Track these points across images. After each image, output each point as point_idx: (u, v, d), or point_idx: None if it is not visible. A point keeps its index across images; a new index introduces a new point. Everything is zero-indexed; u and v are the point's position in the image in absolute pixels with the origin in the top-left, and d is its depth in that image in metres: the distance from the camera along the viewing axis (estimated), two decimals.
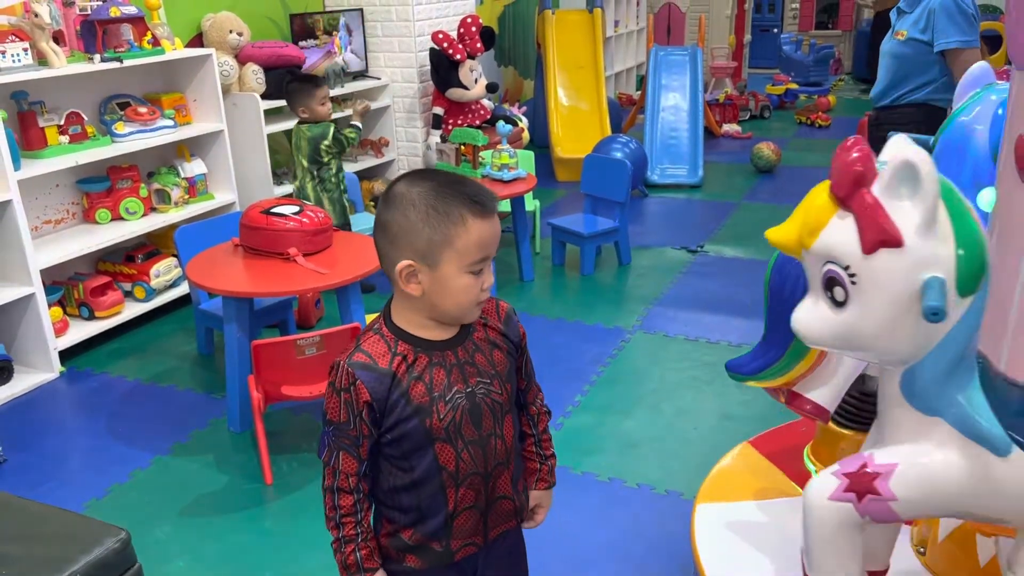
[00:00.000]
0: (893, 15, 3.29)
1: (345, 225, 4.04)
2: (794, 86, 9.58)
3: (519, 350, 1.48)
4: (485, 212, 1.29)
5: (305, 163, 3.94)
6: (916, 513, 1.42)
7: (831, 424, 1.81)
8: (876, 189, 1.24)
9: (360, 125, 4.15)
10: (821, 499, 1.38)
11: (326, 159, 3.93)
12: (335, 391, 1.33)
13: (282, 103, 4.67)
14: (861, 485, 1.35)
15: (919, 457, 1.34)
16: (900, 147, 1.26)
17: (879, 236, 1.23)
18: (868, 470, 1.35)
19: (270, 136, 4.60)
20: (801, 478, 2.08)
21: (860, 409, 1.74)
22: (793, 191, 6.33)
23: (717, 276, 4.51)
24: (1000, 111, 1.75)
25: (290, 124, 4.74)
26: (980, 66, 1.89)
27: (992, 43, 9.06)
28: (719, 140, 7.89)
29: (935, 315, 1.20)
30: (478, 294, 1.33)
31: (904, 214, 1.22)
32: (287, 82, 4.07)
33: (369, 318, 3.24)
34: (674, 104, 6.97)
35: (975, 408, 1.28)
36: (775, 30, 12.22)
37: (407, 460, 1.37)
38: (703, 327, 3.86)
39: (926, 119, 3.06)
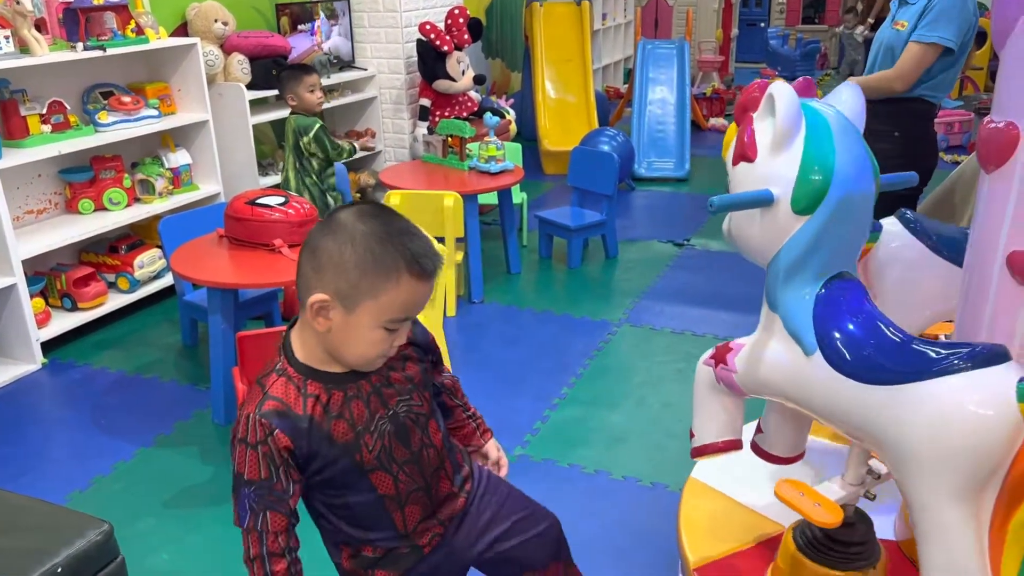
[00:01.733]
0: (894, 3, 3.09)
1: None
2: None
3: (428, 350, 1.44)
4: (424, 275, 1.22)
5: (291, 155, 3.92)
6: (751, 388, 1.63)
7: (802, 557, 1.63)
8: (754, 115, 1.49)
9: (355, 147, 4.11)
10: (700, 361, 1.73)
11: (306, 154, 3.90)
12: (248, 446, 1.22)
13: (268, 93, 4.65)
14: (720, 356, 1.67)
15: (758, 342, 1.59)
16: (777, 83, 1.49)
17: (739, 150, 1.52)
18: (729, 346, 1.66)
19: (256, 126, 4.56)
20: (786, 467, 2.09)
21: (836, 548, 1.61)
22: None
23: (703, 269, 4.52)
24: (853, 133, 1.59)
25: (275, 115, 4.73)
26: (789, 91, 1.49)
27: (975, 40, 9.12)
28: (706, 134, 7.91)
29: (710, 207, 1.50)
30: (385, 350, 1.26)
31: (764, 136, 1.47)
32: (277, 70, 4.01)
33: None
34: (661, 98, 6.98)
35: (796, 310, 1.50)
36: (762, 24, 12.26)
37: (342, 496, 1.32)
38: (689, 320, 3.86)
39: (917, 115, 3.00)
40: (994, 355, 1.35)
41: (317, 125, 3.85)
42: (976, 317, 1.55)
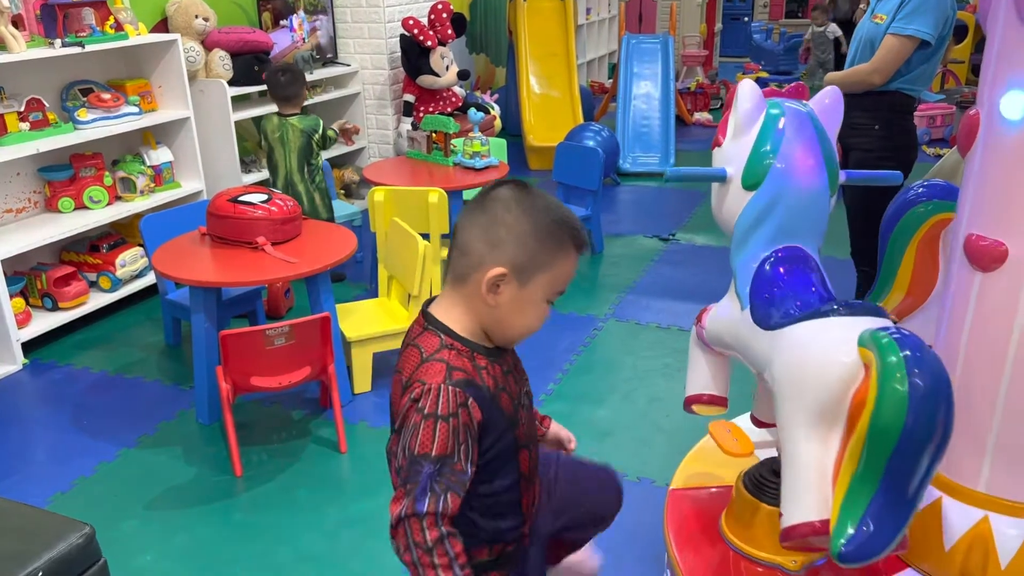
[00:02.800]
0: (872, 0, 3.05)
1: (332, 219, 4.07)
2: (764, 75, 9.64)
3: None
4: (584, 250, 1.31)
5: (295, 158, 3.93)
6: (713, 340, 1.89)
7: (746, 494, 1.76)
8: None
9: (337, 132, 4.21)
10: (693, 326, 1.98)
11: (315, 153, 3.98)
12: (439, 419, 1.17)
13: (250, 89, 4.62)
14: (700, 316, 1.94)
15: (722, 303, 1.86)
16: (743, 82, 1.75)
17: (716, 137, 1.82)
18: (708, 307, 1.92)
19: (238, 123, 4.53)
20: None
21: (769, 485, 1.74)
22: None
23: (689, 264, 4.53)
24: (813, 129, 1.70)
25: (258, 111, 4.69)
26: (754, 89, 1.71)
27: (958, 33, 9.17)
28: (690, 128, 7.92)
29: (663, 176, 1.91)
30: (541, 323, 1.32)
31: (731, 125, 1.75)
32: (279, 74, 3.99)
33: (340, 307, 3.21)
34: (646, 92, 6.98)
35: (742, 272, 1.75)
36: (746, 19, 12.29)
37: (490, 482, 1.30)
38: (675, 315, 3.87)
39: (897, 108, 2.99)
40: (865, 309, 1.51)
41: (321, 121, 3.96)
42: (943, 300, 1.69)
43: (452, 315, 1.29)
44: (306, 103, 4.98)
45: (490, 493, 1.32)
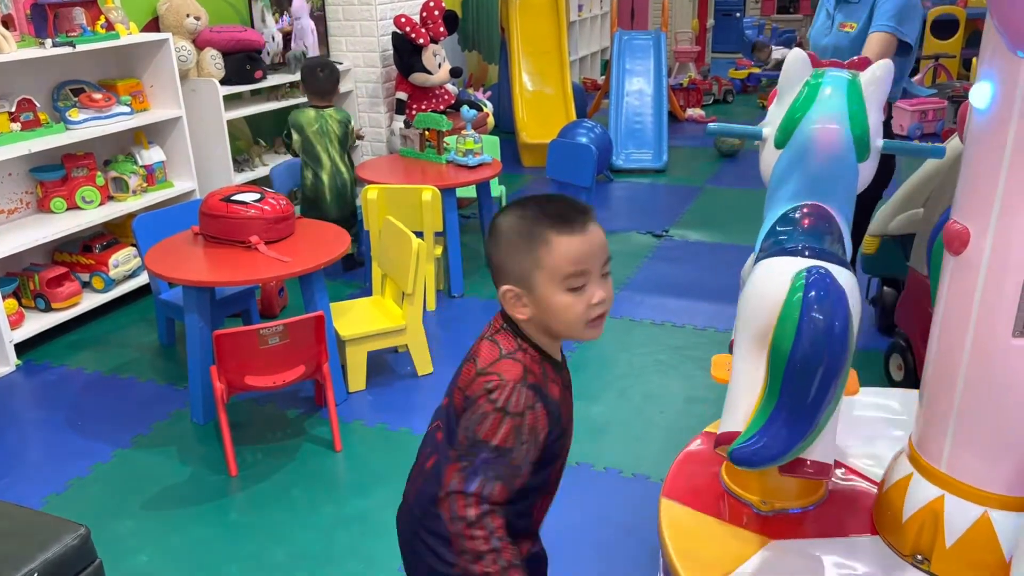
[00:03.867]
0: (829, 4, 2.96)
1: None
2: (757, 70, 9.64)
3: None
4: (572, 228, 1.26)
5: (337, 147, 4.20)
6: (741, 287, 1.90)
7: None
8: None
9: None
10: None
11: (351, 143, 4.28)
12: (507, 413, 1.24)
13: (242, 88, 4.61)
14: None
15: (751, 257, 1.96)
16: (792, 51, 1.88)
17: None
18: None
19: (230, 122, 4.52)
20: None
21: None
22: (756, 175, 6.34)
23: (682, 260, 4.53)
24: (844, 96, 1.84)
25: (249, 110, 4.69)
26: (801, 57, 1.87)
27: (948, 28, 9.19)
28: (683, 124, 7.93)
29: (707, 131, 2.18)
30: (584, 311, 1.28)
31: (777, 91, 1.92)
32: (318, 70, 4.26)
33: (334, 306, 3.21)
34: (638, 89, 6.98)
35: (765, 223, 1.90)
36: (738, 14, 12.28)
37: (530, 480, 1.32)
38: (669, 311, 3.87)
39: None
40: (831, 256, 1.64)
41: (350, 115, 4.30)
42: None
43: (524, 326, 1.35)
44: (296, 102, 4.99)
45: (523, 491, 1.34)
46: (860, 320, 1.77)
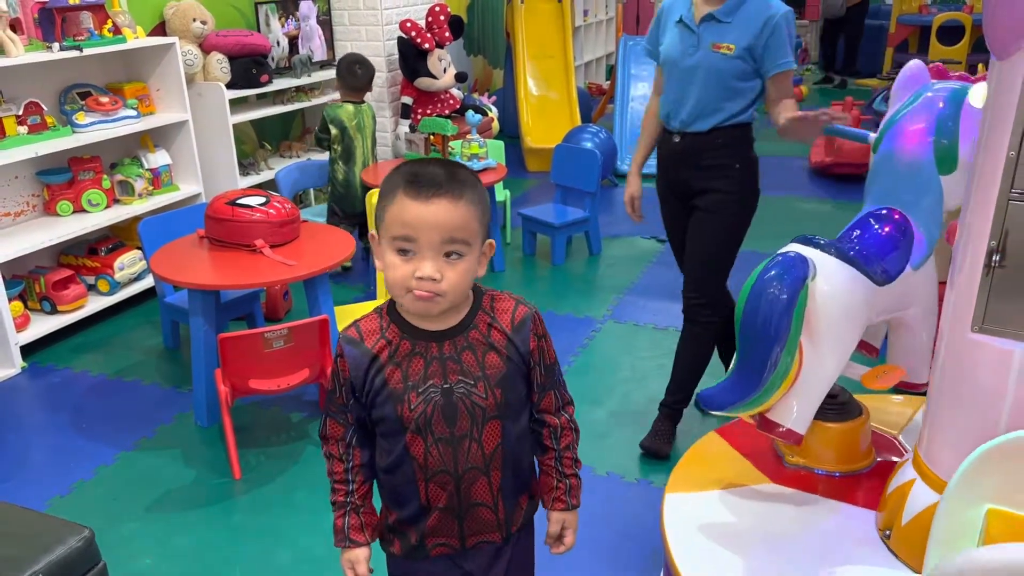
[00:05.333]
0: (688, 20, 2.56)
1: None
2: None
3: (526, 361, 1.39)
4: (417, 193, 1.23)
5: (370, 142, 4.40)
6: None
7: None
8: None
9: None
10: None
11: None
12: (334, 358, 1.39)
13: (248, 92, 4.62)
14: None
15: None
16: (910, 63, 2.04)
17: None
18: None
19: (236, 126, 4.53)
20: (767, 466, 2.11)
21: (830, 407, 2.01)
22: (761, 180, 6.36)
23: None
24: (941, 104, 1.93)
25: (255, 114, 4.71)
26: (916, 65, 2.02)
27: (954, 34, 9.18)
28: None
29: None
30: (405, 278, 1.25)
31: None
32: (355, 66, 4.45)
33: (338, 309, 3.22)
34: (644, 94, 6.97)
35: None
36: None
37: (386, 441, 1.38)
38: (673, 316, 3.86)
39: (750, 142, 2.66)
40: (855, 258, 1.85)
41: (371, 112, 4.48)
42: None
43: None
44: (302, 106, 5.01)
45: (388, 457, 1.38)
46: (866, 312, 1.88)
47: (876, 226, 1.95)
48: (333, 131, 4.32)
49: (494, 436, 1.36)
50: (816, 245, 1.88)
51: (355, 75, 4.42)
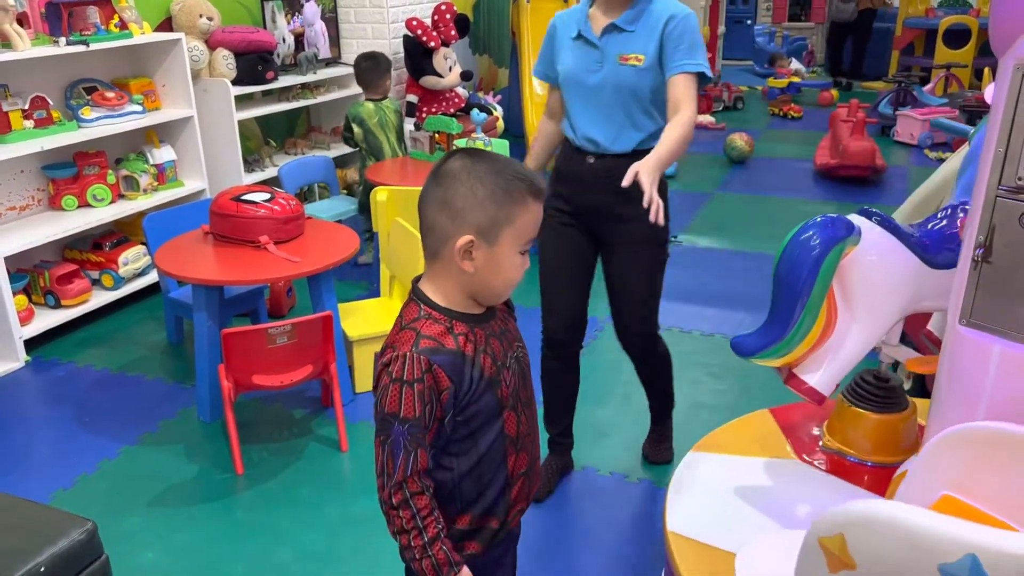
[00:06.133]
0: (588, 34, 2.30)
1: None
2: (797, 79, 9.49)
3: (512, 310, 1.55)
4: (541, 196, 1.35)
5: (395, 136, 4.51)
6: None
7: (849, 406, 2.01)
8: None
9: None
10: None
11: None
12: (404, 384, 1.27)
13: (253, 89, 4.63)
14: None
15: None
16: None
17: None
18: None
19: (241, 122, 4.54)
20: (801, 444, 2.13)
21: (875, 393, 2.01)
22: (766, 182, 6.37)
23: (690, 266, 4.53)
24: None
25: (261, 111, 4.72)
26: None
27: (960, 37, 9.17)
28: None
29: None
30: (521, 276, 1.37)
31: None
32: (364, 61, 4.63)
33: (342, 306, 3.22)
34: None
35: None
36: (748, 22, 12.28)
37: (473, 440, 1.37)
38: (676, 317, 3.87)
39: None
40: (908, 238, 1.89)
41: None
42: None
43: (434, 287, 1.37)
44: (307, 103, 5.01)
45: (475, 456, 1.37)
46: (910, 289, 1.92)
47: (947, 219, 1.95)
48: (356, 129, 4.45)
49: (531, 387, 1.49)
50: (869, 215, 1.93)
51: (363, 71, 4.55)
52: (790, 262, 1.81)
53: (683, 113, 2.19)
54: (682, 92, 2.21)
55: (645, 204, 1.93)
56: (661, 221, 1.96)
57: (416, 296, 1.38)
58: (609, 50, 2.26)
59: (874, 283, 1.89)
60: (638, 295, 2.51)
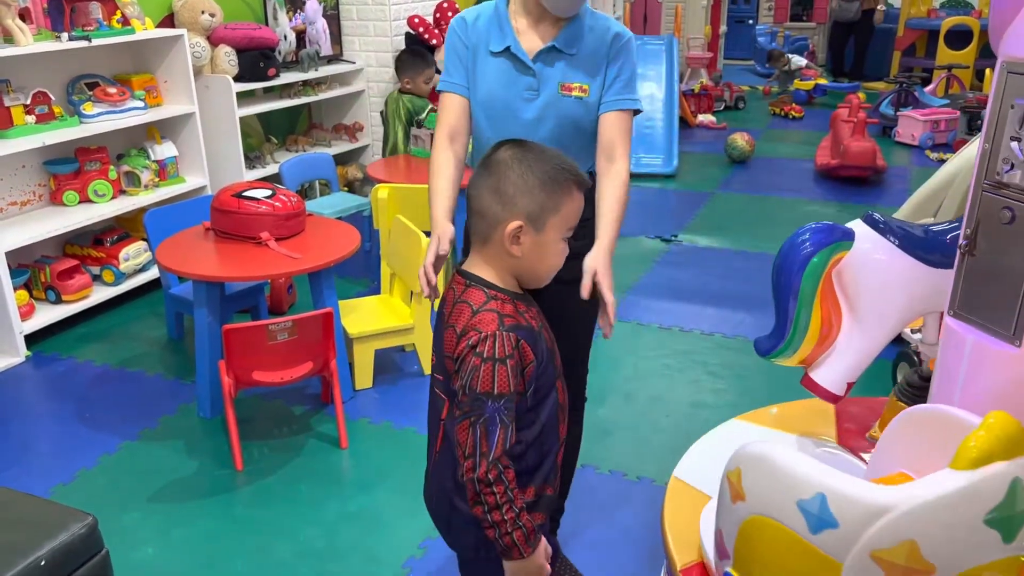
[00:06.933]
0: (520, 56, 1.87)
1: None
2: (824, 81, 9.44)
3: None
4: (582, 189, 1.42)
5: (401, 129, 4.59)
6: None
7: (898, 402, 2.05)
8: None
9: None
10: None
11: (415, 127, 4.63)
12: (497, 362, 1.32)
13: (255, 85, 4.63)
14: None
15: None
16: None
17: None
18: None
19: (242, 119, 4.54)
20: (845, 432, 2.17)
21: (921, 389, 2.01)
22: (767, 182, 6.38)
23: (691, 265, 4.53)
24: None
25: (262, 107, 4.72)
26: None
27: (962, 38, 9.16)
28: (694, 130, 7.92)
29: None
30: (563, 260, 1.45)
31: None
32: (400, 52, 4.84)
33: (342, 303, 3.22)
34: (650, 93, 6.98)
35: None
36: (750, 21, 12.28)
37: (535, 411, 1.42)
38: (676, 316, 3.87)
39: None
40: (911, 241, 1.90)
41: (429, 107, 4.60)
42: None
43: (487, 271, 1.43)
44: (308, 100, 5.01)
45: (538, 426, 1.43)
46: (909, 292, 1.93)
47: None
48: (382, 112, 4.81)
49: None
50: (870, 221, 1.97)
51: (399, 60, 4.81)
52: (781, 262, 1.90)
53: (620, 165, 1.86)
54: (618, 133, 1.88)
55: (606, 314, 1.67)
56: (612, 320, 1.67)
57: (473, 280, 1.43)
58: (547, 76, 1.86)
59: (871, 286, 1.93)
60: (587, 333, 2.14)
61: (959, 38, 9.16)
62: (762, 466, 1.42)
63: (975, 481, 1.25)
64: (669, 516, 1.96)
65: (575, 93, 1.87)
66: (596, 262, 1.71)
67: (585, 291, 1.65)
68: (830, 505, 1.30)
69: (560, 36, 1.86)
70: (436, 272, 1.70)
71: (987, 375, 1.57)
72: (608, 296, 1.66)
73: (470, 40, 1.89)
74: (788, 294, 1.87)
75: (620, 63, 1.89)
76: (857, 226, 1.97)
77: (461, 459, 1.35)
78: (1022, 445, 1.26)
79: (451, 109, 1.92)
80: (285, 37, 4.94)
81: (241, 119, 4.50)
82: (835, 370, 1.96)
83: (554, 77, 1.86)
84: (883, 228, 1.95)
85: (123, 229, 4.10)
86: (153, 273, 4.07)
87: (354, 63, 5.43)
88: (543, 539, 1.39)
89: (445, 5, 5.36)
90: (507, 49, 1.86)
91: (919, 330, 2.27)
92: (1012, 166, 1.49)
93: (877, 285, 1.93)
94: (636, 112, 1.94)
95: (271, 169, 4.76)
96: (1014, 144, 1.47)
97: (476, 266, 1.45)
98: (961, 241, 1.59)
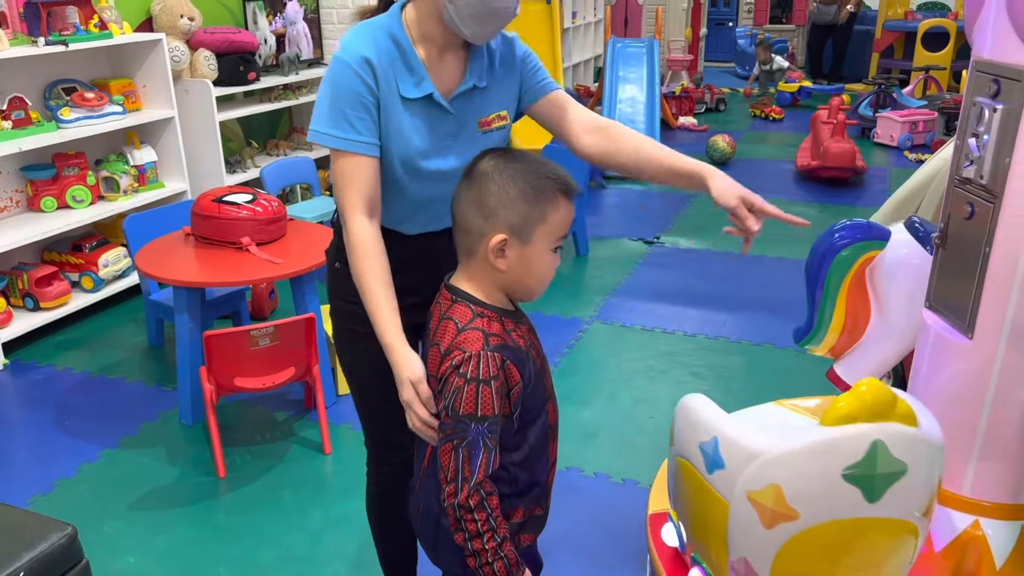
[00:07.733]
0: (440, 102, 1.53)
1: None
2: (808, 83, 9.48)
3: None
4: (572, 196, 1.37)
5: None
6: None
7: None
8: None
9: None
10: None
11: None
12: (481, 383, 1.27)
13: (235, 90, 4.61)
14: None
15: None
16: None
17: None
18: None
19: (223, 123, 4.51)
20: None
21: None
22: (748, 183, 6.36)
23: (673, 267, 4.55)
24: None
25: (243, 112, 4.70)
26: None
27: (938, 40, 9.26)
28: (675, 132, 7.96)
29: None
30: (553, 272, 1.39)
31: None
32: None
33: (325, 308, 3.20)
34: (631, 96, 7.00)
35: None
36: (730, 24, 12.36)
37: (523, 432, 1.39)
38: (659, 317, 3.89)
39: None
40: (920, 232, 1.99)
41: None
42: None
43: (473, 286, 1.38)
44: (289, 104, 4.99)
45: (526, 448, 1.40)
46: (911, 282, 1.98)
47: None
48: None
49: None
50: (911, 227, 2.02)
51: None
52: (812, 252, 2.01)
53: (616, 126, 1.71)
54: (573, 105, 1.76)
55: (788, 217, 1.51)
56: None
57: (460, 296, 1.38)
58: (464, 116, 1.57)
59: (902, 289, 1.99)
60: None
61: (936, 40, 9.26)
62: (683, 412, 1.58)
63: (835, 437, 1.33)
64: (654, 511, 1.97)
65: (495, 125, 1.61)
66: (735, 188, 1.50)
67: (787, 217, 1.49)
68: (720, 448, 1.44)
69: (471, 69, 1.56)
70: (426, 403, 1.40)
71: (944, 366, 1.61)
72: (772, 208, 1.48)
73: (379, 85, 1.49)
74: (815, 283, 1.96)
75: (526, 58, 1.71)
76: (897, 230, 2.03)
77: (443, 483, 1.30)
78: (890, 413, 1.33)
79: (362, 174, 1.48)
80: (265, 41, 4.92)
81: (221, 123, 4.48)
82: (859, 366, 2.02)
83: (471, 115, 1.58)
84: (922, 236, 2.00)
85: (102, 235, 4.07)
86: (133, 279, 4.03)
87: None
88: (527, 571, 1.35)
89: None
90: (430, 96, 1.51)
91: None
92: (971, 162, 1.52)
93: (907, 288, 1.96)
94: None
95: (252, 174, 4.73)
96: (971, 140, 1.50)
97: (462, 281, 1.39)
98: (934, 235, 1.64)
